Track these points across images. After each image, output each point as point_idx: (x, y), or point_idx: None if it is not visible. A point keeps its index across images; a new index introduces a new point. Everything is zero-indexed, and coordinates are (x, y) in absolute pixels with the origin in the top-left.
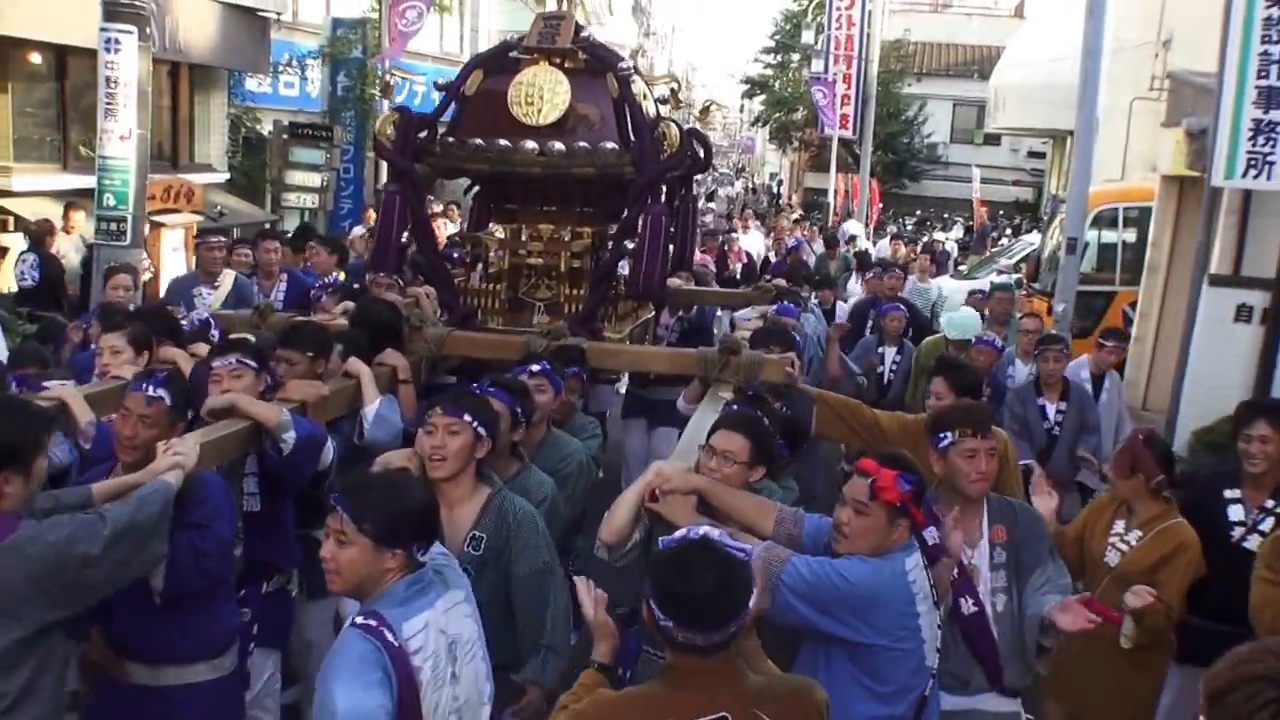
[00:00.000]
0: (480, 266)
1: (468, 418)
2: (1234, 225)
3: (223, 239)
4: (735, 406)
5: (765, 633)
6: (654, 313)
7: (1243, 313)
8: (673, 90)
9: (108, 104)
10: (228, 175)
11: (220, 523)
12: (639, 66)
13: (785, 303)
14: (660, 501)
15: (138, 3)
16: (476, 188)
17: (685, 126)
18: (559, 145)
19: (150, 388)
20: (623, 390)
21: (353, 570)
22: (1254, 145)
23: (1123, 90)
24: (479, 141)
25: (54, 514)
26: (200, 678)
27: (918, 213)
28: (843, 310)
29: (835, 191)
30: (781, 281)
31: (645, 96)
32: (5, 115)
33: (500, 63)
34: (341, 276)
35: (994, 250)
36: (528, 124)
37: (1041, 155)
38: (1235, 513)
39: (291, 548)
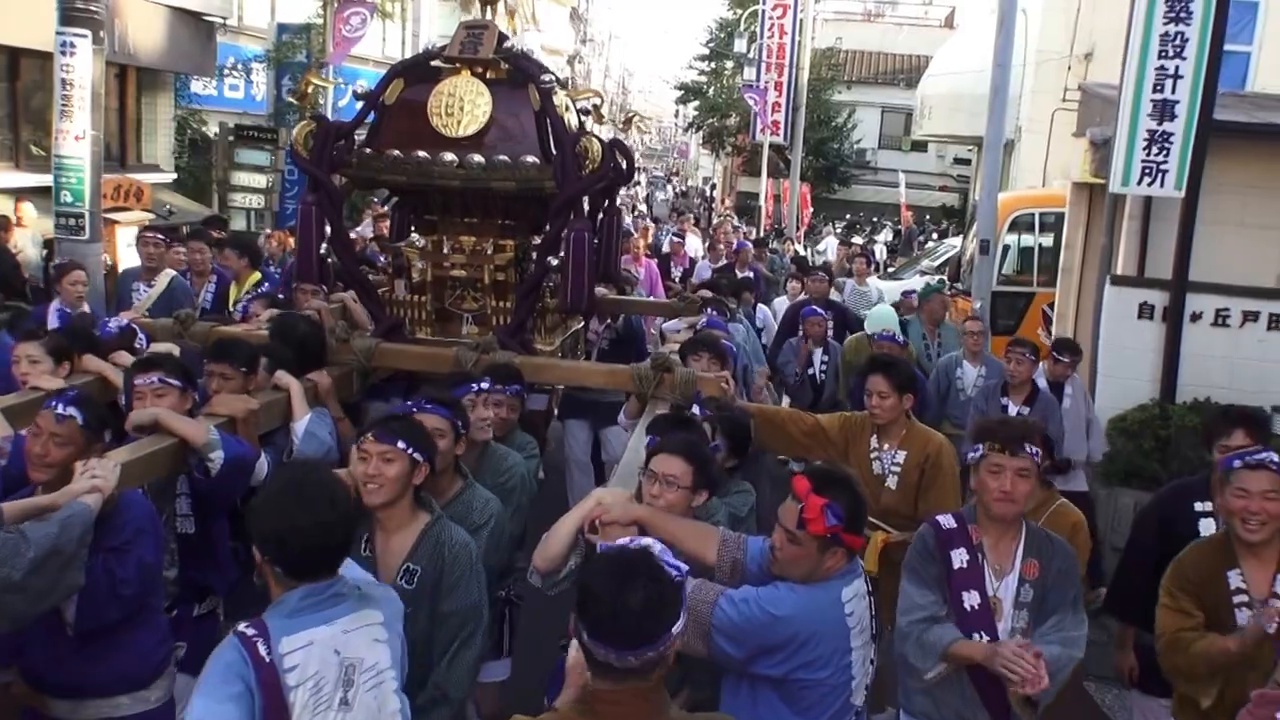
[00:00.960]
0: (404, 277)
1: (402, 444)
2: (1137, 230)
3: (159, 235)
4: (654, 438)
5: (688, 662)
6: (583, 322)
7: (1144, 310)
8: (595, 106)
9: (63, 105)
10: (175, 175)
11: (142, 546)
12: (575, 73)
13: (713, 314)
14: (600, 532)
15: (93, 8)
16: (396, 198)
17: (608, 138)
18: (478, 158)
19: (60, 406)
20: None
21: (258, 572)
22: (1149, 154)
23: (1045, 101)
24: (397, 153)
25: None
26: (123, 711)
27: (847, 217)
28: (764, 315)
29: (767, 196)
30: (707, 292)
31: (567, 109)
32: None
33: (421, 71)
34: (256, 277)
35: (920, 253)
36: (447, 135)
37: (967, 162)
38: (1206, 526)
39: (225, 569)
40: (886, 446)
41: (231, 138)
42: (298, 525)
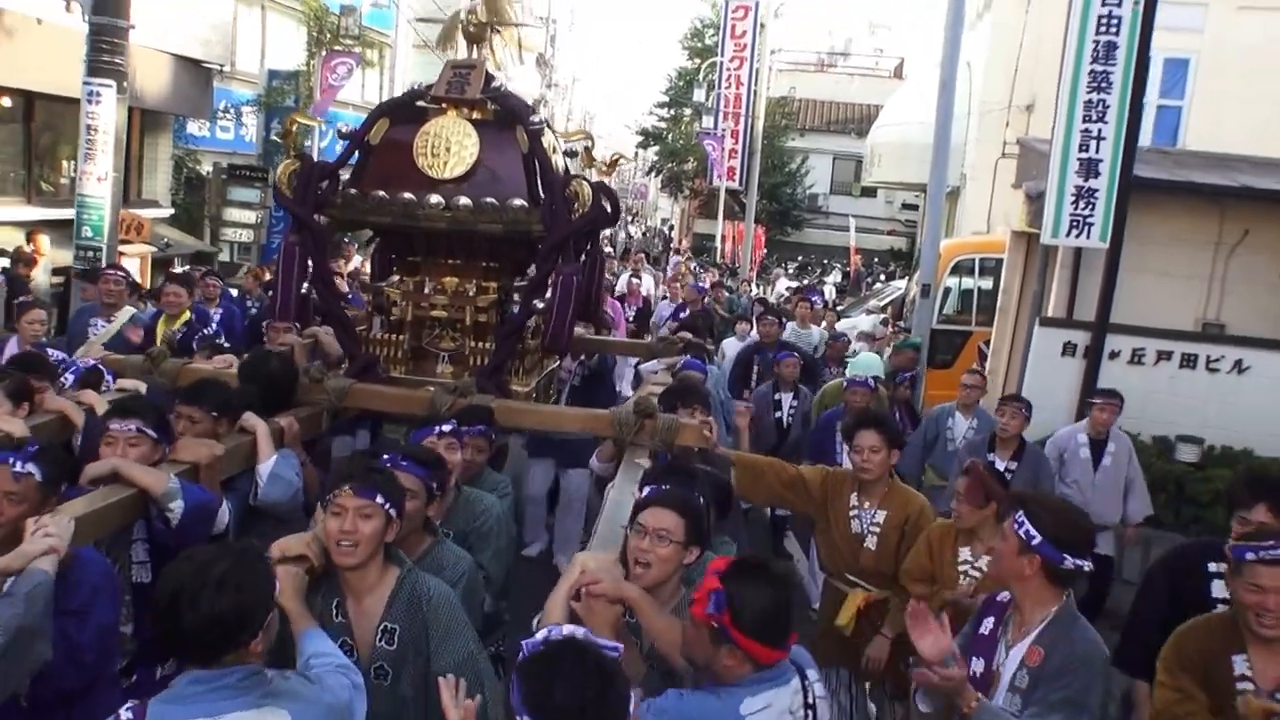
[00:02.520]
0: (381, 316)
1: (380, 499)
2: (1068, 277)
3: (120, 273)
4: (665, 486)
5: None
6: (558, 361)
7: (1068, 348)
8: (587, 148)
9: (87, 149)
10: (171, 210)
11: (101, 608)
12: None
13: (692, 357)
14: (583, 602)
15: (117, 61)
16: (378, 238)
17: (594, 180)
18: (465, 200)
19: (18, 463)
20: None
21: None
22: (1076, 209)
23: (989, 150)
24: (382, 194)
25: None
26: None
27: (799, 258)
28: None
29: (723, 237)
30: (688, 335)
31: (554, 150)
32: None
33: (407, 112)
34: (186, 316)
35: (867, 294)
36: (433, 176)
37: (914, 207)
38: (1219, 589)
39: None
40: (867, 505)
41: (224, 176)
42: (178, 604)
